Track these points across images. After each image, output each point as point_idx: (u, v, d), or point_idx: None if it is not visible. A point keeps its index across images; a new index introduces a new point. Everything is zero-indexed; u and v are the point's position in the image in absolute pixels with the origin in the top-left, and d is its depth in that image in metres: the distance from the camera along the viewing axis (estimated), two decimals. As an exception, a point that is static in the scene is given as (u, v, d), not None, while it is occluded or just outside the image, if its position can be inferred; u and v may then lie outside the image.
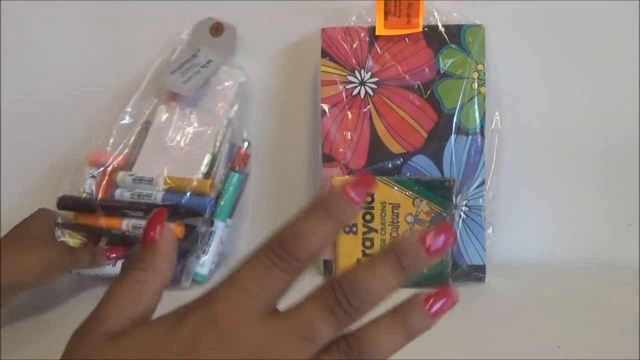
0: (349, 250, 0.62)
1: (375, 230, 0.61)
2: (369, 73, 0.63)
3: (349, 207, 0.29)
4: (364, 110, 0.63)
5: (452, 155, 0.62)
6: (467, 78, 0.62)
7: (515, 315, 0.56)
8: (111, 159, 0.65)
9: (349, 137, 0.63)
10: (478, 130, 0.62)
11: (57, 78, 0.73)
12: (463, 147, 0.62)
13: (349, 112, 0.63)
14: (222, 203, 0.64)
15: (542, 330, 0.52)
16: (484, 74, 0.62)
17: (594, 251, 0.68)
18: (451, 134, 0.62)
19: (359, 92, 0.63)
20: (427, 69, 0.63)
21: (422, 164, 0.63)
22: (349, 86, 0.64)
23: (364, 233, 0.61)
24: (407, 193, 0.60)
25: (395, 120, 0.63)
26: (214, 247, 0.64)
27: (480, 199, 0.63)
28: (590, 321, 0.54)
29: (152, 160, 0.65)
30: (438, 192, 0.60)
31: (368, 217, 0.61)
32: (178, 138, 0.66)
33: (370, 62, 0.63)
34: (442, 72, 0.63)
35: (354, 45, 0.64)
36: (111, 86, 0.72)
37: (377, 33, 0.63)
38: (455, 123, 0.62)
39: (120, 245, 0.61)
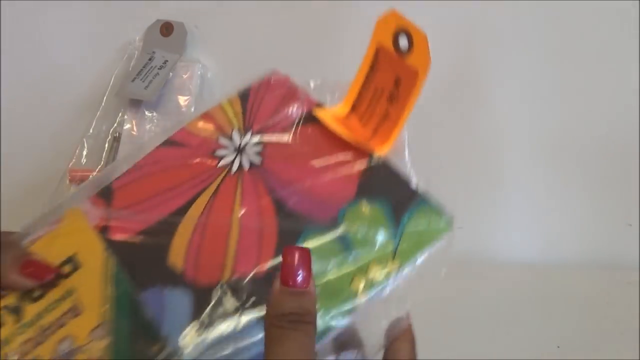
0: None
1: None
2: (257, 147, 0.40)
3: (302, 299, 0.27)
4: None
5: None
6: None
7: (515, 315, 0.56)
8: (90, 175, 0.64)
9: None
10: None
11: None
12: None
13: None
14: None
15: (542, 330, 0.52)
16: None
17: (594, 251, 0.68)
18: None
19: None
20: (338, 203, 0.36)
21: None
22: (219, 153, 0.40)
23: None
24: None
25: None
26: None
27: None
28: (590, 321, 0.54)
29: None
30: None
31: None
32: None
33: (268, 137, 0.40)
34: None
35: (284, 111, 0.41)
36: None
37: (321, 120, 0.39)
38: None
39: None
